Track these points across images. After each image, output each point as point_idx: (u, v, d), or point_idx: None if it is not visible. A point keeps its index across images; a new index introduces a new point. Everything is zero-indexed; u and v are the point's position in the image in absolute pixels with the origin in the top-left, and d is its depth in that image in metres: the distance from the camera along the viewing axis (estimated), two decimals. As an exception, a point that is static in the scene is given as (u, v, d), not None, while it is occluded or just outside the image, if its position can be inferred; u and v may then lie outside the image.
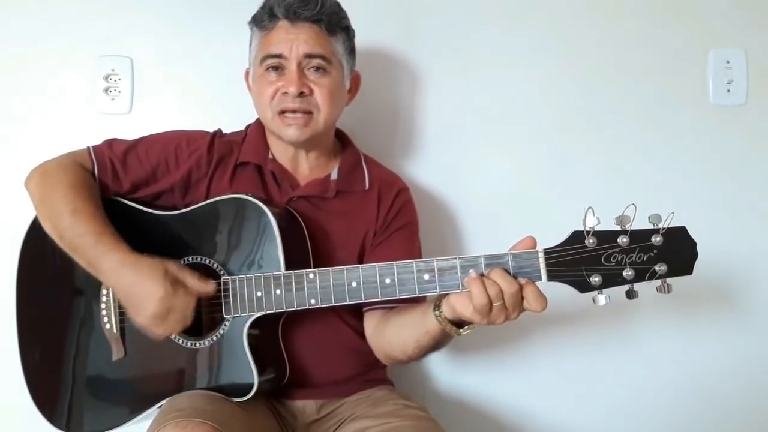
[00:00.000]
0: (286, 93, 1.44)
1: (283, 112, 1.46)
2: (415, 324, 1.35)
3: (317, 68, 1.46)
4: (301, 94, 1.44)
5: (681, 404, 1.82)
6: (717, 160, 1.85)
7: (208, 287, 1.34)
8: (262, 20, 1.47)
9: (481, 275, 1.18)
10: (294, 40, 1.43)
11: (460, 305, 1.21)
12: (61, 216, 1.39)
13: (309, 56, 1.44)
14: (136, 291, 1.31)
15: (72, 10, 1.80)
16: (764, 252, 1.84)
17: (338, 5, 1.50)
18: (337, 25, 1.48)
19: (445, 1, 1.85)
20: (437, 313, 1.27)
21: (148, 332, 1.34)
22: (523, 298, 1.17)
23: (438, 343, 1.35)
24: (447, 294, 1.24)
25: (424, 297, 1.38)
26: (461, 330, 1.28)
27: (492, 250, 1.20)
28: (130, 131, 1.55)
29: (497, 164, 1.83)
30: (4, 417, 1.74)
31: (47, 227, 1.41)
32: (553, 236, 1.19)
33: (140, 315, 1.32)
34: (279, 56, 1.44)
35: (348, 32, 1.52)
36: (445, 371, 1.81)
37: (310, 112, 1.46)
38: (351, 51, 1.53)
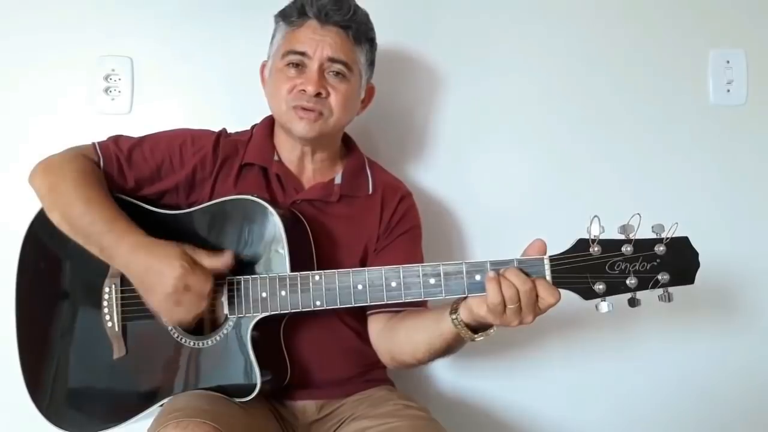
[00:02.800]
0: (303, 91, 1.44)
1: (296, 107, 1.46)
2: (430, 327, 1.35)
3: (337, 73, 1.46)
4: (317, 95, 1.44)
5: (682, 408, 1.83)
6: (717, 160, 1.86)
7: (225, 259, 1.34)
8: (291, 16, 1.47)
9: (499, 274, 1.19)
10: (320, 41, 1.44)
11: (476, 304, 1.22)
12: (72, 205, 1.38)
13: (332, 60, 1.44)
14: (154, 269, 1.31)
15: (72, 10, 1.79)
16: (764, 252, 1.85)
17: (368, 16, 1.50)
18: (363, 35, 1.48)
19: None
20: (454, 316, 1.27)
21: (163, 315, 1.33)
22: (537, 296, 1.18)
23: (450, 347, 1.36)
24: (465, 298, 1.25)
25: (426, 301, 1.40)
26: (476, 336, 1.28)
27: (498, 255, 1.21)
28: (130, 131, 1.55)
29: (502, 169, 1.84)
30: (4, 416, 1.74)
31: (55, 217, 1.41)
32: (558, 240, 1.20)
33: (156, 294, 1.31)
34: (303, 54, 1.45)
35: (372, 44, 1.52)
36: (446, 372, 1.81)
37: (322, 113, 1.46)
38: (371, 63, 1.54)
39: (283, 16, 1.49)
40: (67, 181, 1.40)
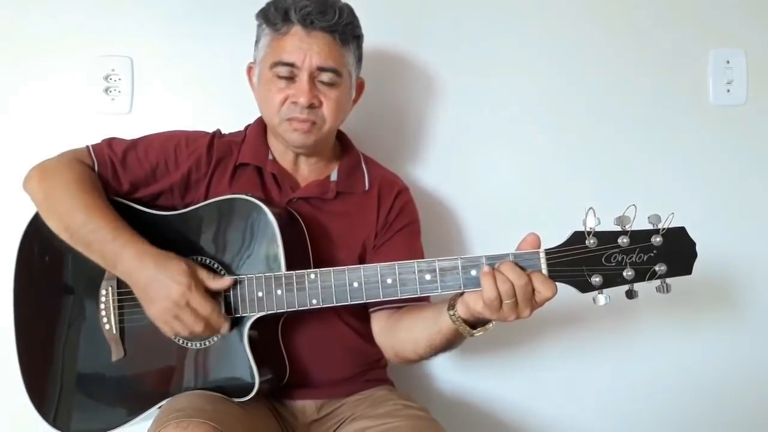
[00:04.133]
0: (295, 102, 1.43)
1: (289, 119, 1.45)
2: (429, 323, 1.35)
3: (327, 81, 1.45)
4: (310, 106, 1.43)
5: (681, 403, 1.83)
6: (717, 160, 1.86)
7: (224, 283, 1.34)
8: (275, 22, 1.44)
9: (494, 269, 1.18)
10: (308, 51, 1.42)
11: (472, 300, 1.21)
12: (72, 213, 1.38)
13: (321, 69, 1.43)
14: (159, 281, 1.31)
15: (72, 10, 1.79)
16: (763, 252, 1.85)
17: (353, 13, 1.48)
18: (350, 34, 1.46)
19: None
20: (452, 312, 1.27)
21: (160, 325, 1.34)
22: (534, 290, 1.17)
23: (450, 343, 1.35)
24: (462, 294, 1.25)
25: (428, 297, 1.39)
26: (474, 331, 1.28)
27: (495, 251, 1.20)
28: (130, 131, 1.55)
29: (499, 165, 1.84)
30: (3, 417, 1.74)
31: (53, 224, 1.41)
32: (555, 237, 1.20)
33: (157, 306, 1.32)
34: (291, 65, 1.43)
35: (359, 40, 1.51)
36: (445, 371, 1.81)
37: (315, 122, 1.46)
38: (359, 59, 1.53)
39: (266, 19, 1.46)
40: (64, 188, 1.40)
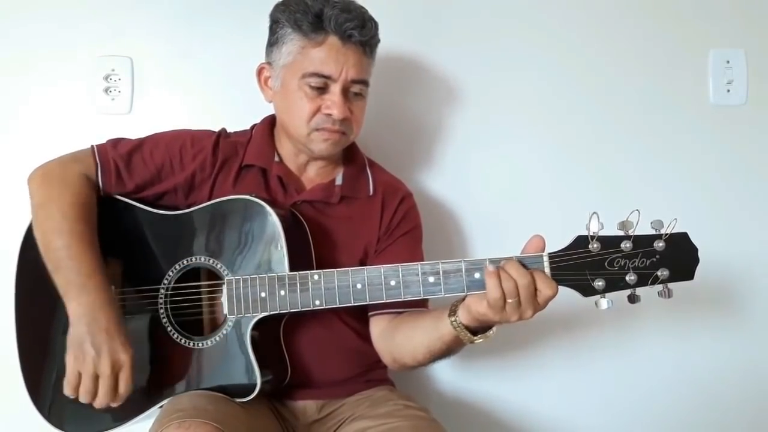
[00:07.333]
0: (328, 114, 1.42)
1: (319, 129, 1.44)
2: (429, 329, 1.35)
3: (356, 93, 1.45)
4: (343, 119, 1.43)
5: (681, 406, 1.83)
6: (717, 160, 1.86)
7: (127, 387, 1.32)
8: (308, 30, 1.40)
9: (498, 268, 1.18)
10: (344, 63, 1.40)
11: (474, 302, 1.21)
12: (57, 234, 1.36)
13: (354, 81, 1.43)
14: (99, 343, 1.29)
15: (72, 10, 1.79)
16: (764, 252, 1.85)
17: (378, 26, 1.47)
18: (375, 46, 1.47)
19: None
20: (453, 319, 1.27)
21: (72, 357, 1.31)
22: (536, 290, 1.18)
23: (450, 350, 1.36)
24: (463, 300, 1.25)
25: (427, 300, 1.40)
26: (475, 338, 1.28)
27: (499, 255, 1.21)
28: (130, 131, 1.55)
29: (502, 170, 1.84)
30: (4, 417, 1.74)
31: (37, 235, 1.40)
32: (559, 241, 1.20)
33: (76, 357, 1.29)
34: (327, 77, 1.41)
35: (376, 49, 1.50)
36: (446, 372, 1.81)
37: (344, 133, 1.46)
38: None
39: (296, 24, 1.41)
40: (57, 206, 1.38)
